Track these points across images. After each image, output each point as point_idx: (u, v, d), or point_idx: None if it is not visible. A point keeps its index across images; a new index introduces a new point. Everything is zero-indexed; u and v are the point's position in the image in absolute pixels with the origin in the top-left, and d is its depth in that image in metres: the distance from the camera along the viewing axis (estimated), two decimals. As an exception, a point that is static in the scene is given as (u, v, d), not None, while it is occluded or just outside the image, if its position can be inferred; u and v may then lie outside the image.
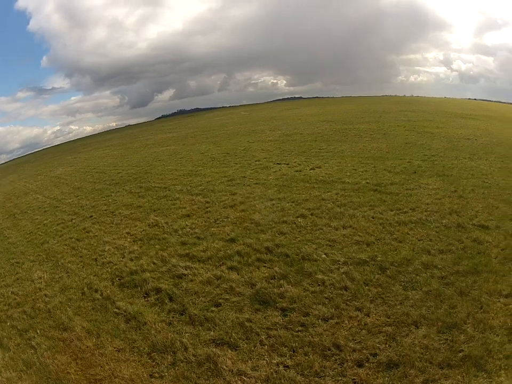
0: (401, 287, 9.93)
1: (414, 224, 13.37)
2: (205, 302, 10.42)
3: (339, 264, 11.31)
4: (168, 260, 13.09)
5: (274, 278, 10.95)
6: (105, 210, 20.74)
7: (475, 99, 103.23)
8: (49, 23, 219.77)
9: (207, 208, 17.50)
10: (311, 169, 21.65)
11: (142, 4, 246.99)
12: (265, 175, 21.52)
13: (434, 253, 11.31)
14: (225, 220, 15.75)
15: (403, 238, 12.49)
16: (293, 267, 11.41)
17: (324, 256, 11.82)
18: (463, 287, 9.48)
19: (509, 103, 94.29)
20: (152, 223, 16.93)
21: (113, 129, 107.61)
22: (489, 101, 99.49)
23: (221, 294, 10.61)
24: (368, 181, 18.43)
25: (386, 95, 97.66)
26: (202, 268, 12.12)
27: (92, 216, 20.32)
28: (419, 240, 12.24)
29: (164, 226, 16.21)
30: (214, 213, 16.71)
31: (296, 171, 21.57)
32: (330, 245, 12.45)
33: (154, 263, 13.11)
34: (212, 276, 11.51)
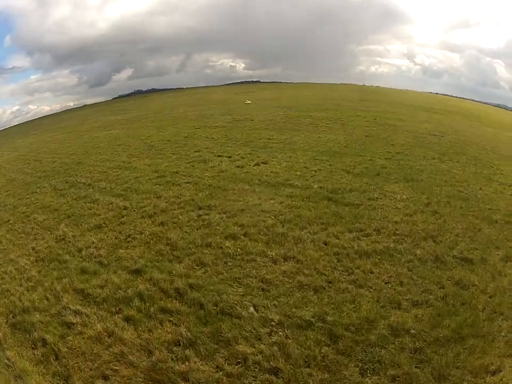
0: (357, 369, 6.72)
1: (379, 256, 9.85)
2: (91, 370, 7.29)
3: (272, 326, 7.67)
4: (61, 296, 9.68)
5: (179, 345, 7.51)
6: (23, 213, 16.71)
7: (437, 93, 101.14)
8: (15, 1, 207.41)
9: (122, 217, 13.83)
10: (255, 164, 17.95)
11: None
12: (200, 171, 17.72)
13: (406, 306, 8.11)
14: (138, 236, 12.14)
15: (365, 280, 8.95)
16: (206, 327, 7.82)
17: (251, 310, 8.13)
18: (442, 367, 6.65)
19: (472, 100, 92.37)
20: (60, 235, 13.33)
21: (70, 108, 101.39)
22: (453, 96, 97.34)
23: (111, 361, 7.39)
24: (322, 184, 14.85)
25: (345, 83, 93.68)
26: (95, 315, 8.76)
27: (9, 220, 16.37)
28: (386, 283, 8.83)
29: (69, 242, 12.66)
30: (129, 225, 13.03)
31: (238, 167, 17.86)
32: (263, 290, 8.78)
33: (47, 299, 9.73)
34: (103, 331, 8.18)
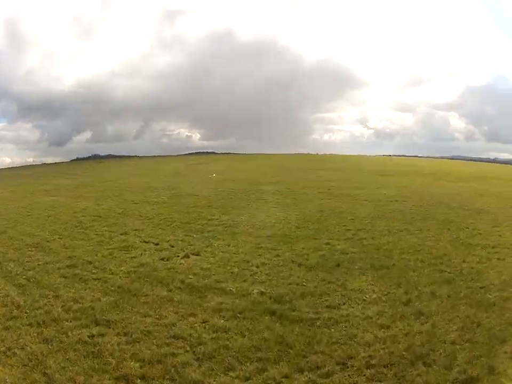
0: None
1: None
2: None
3: None
4: None
5: None
6: None
7: (390, 155, 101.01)
8: None
9: (11, 318, 9.58)
10: (184, 256, 13.77)
11: (76, 37, 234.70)
12: (117, 264, 13.32)
13: None
14: (18, 352, 8.06)
15: None
16: None
17: None
18: None
19: (428, 157, 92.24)
20: None
21: (29, 165, 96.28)
22: (406, 156, 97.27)
23: None
24: (263, 288, 10.79)
25: (298, 153, 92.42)
26: None
27: None
28: None
29: None
30: (13, 333, 8.82)
31: (162, 259, 13.63)
32: None
33: None
34: None
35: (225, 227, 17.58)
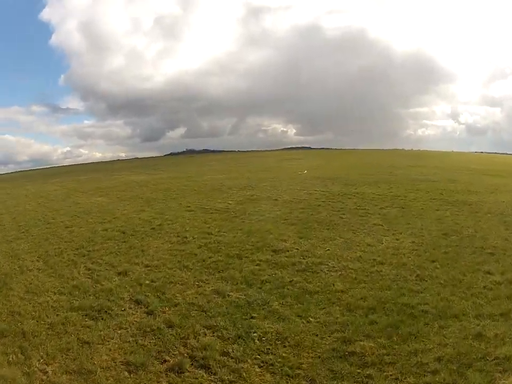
0: None
1: None
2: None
3: None
4: None
5: None
6: None
7: (482, 152, 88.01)
8: (70, 41, 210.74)
9: None
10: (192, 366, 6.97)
11: (161, 37, 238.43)
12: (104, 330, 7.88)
13: None
14: None
15: None
16: None
17: None
18: None
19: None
20: None
21: (121, 159, 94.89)
22: (497, 153, 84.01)
23: None
24: None
25: (393, 149, 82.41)
26: None
27: None
28: None
29: None
30: None
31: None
32: None
33: None
34: None
35: (297, 290, 9.62)
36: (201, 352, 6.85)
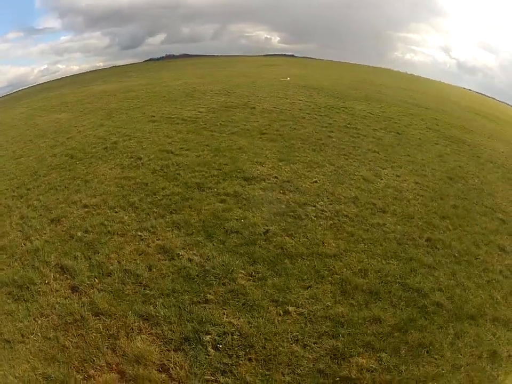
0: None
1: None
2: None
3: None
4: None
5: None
6: None
7: (470, 90, 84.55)
8: None
9: None
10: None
11: None
12: None
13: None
14: None
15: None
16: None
17: None
18: None
19: (504, 102, 75.57)
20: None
21: (99, 69, 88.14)
22: (485, 95, 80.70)
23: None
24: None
25: (380, 67, 77.38)
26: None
27: None
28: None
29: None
30: None
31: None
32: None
33: None
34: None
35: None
36: (133, 366, 4.73)
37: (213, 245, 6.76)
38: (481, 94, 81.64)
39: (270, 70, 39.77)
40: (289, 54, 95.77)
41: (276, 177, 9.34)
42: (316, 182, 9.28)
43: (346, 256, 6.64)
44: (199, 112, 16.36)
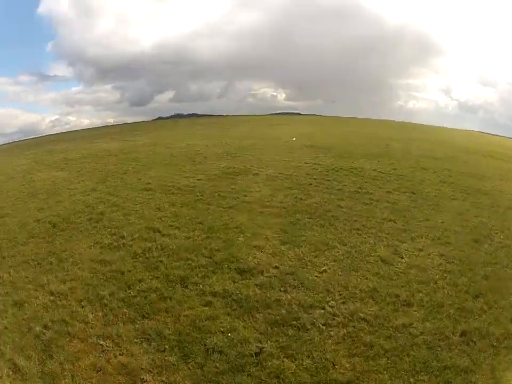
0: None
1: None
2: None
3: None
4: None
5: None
6: None
7: (473, 130, 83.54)
8: (58, 8, 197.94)
9: None
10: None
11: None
12: None
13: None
14: None
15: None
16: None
17: None
18: None
19: (507, 137, 74.51)
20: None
21: (109, 125, 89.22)
22: (489, 133, 79.46)
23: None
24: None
25: (385, 119, 76.88)
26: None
27: None
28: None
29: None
30: None
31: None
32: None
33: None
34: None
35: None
36: None
37: (189, 369, 5.23)
38: (484, 132, 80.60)
39: (276, 129, 38.90)
40: (296, 112, 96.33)
41: (276, 267, 7.69)
42: (325, 271, 7.62)
43: (363, 382, 4.92)
44: (197, 179, 15.08)
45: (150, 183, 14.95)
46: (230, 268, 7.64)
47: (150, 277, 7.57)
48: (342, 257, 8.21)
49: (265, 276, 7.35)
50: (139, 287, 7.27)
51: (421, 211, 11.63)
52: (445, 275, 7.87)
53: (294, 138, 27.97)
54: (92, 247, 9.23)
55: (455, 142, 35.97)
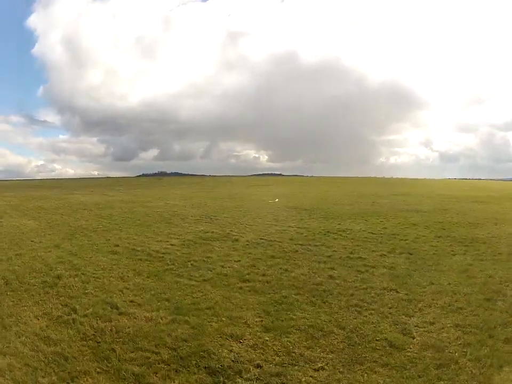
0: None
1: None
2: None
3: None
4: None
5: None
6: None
7: (455, 178, 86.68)
8: (52, 53, 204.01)
9: None
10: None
11: (139, 56, 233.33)
12: None
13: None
14: None
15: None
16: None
17: None
18: None
19: (489, 179, 77.97)
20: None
21: (92, 177, 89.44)
22: (468, 179, 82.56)
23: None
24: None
25: (368, 176, 78.33)
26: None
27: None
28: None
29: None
30: None
31: None
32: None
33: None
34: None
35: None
36: None
37: None
38: (466, 179, 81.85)
39: (258, 190, 37.90)
40: (277, 173, 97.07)
41: (259, 365, 5.79)
42: (322, 368, 5.78)
43: None
44: (170, 245, 13.39)
45: (118, 245, 13.29)
46: (199, 366, 5.73)
47: (98, 370, 5.69)
48: (341, 346, 6.40)
49: (245, 379, 5.45)
50: (84, 381, 5.41)
51: (422, 274, 10.10)
52: (465, 350, 6.24)
53: (277, 200, 26.91)
54: (39, 318, 7.41)
55: (440, 193, 35.89)
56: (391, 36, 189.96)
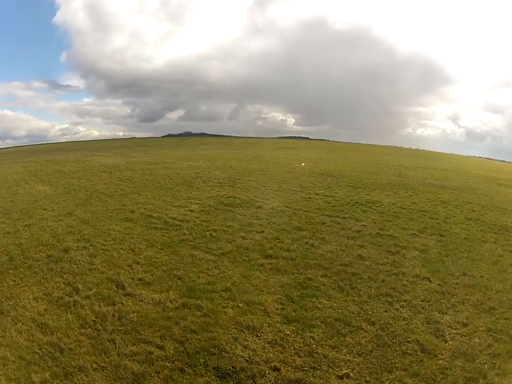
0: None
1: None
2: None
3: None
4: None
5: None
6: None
7: (480, 157, 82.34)
8: (74, 20, 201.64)
9: None
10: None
11: (165, 20, 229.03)
12: None
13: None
14: None
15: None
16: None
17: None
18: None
19: None
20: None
21: (117, 138, 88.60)
22: (495, 159, 78.28)
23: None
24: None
25: (394, 146, 75.27)
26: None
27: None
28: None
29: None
30: None
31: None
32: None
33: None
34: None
35: None
36: None
37: None
38: (492, 159, 78.46)
39: (284, 153, 36.53)
40: (304, 136, 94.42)
41: (276, 368, 4.95)
42: (347, 375, 4.88)
43: None
44: (189, 210, 12.51)
45: (133, 211, 12.44)
46: (207, 366, 4.93)
47: (95, 366, 4.97)
48: (369, 347, 5.50)
49: (258, 385, 4.60)
50: (78, 379, 4.69)
51: (454, 261, 9.04)
52: (494, 362, 5.37)
53: (303, 164, 25.66)
54: (39, 300, 6.73)
55: (466, 170, 33.71)
56: (423, 7, 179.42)
